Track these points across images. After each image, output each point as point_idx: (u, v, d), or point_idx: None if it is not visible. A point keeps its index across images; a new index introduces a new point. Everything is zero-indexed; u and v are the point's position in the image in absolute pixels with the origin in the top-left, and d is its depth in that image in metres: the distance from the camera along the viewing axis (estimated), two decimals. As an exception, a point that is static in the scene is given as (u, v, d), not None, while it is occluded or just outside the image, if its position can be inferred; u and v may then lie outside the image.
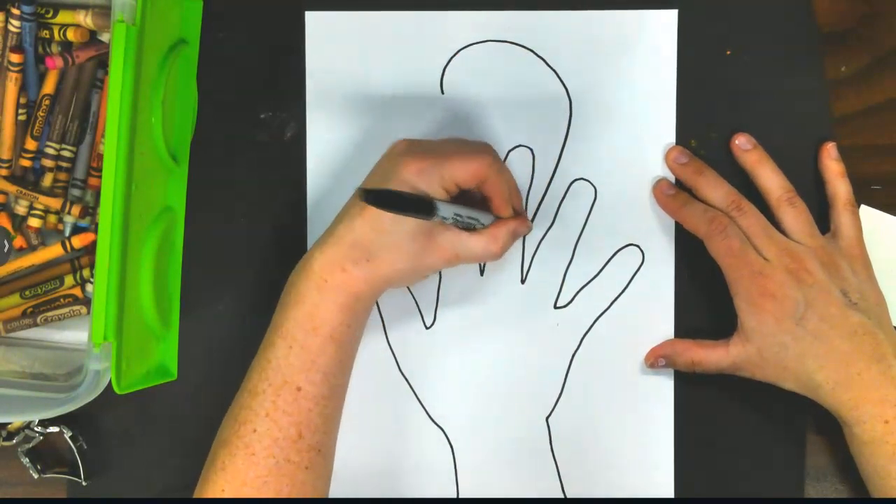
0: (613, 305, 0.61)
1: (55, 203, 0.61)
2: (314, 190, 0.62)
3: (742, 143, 0.60)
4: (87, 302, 0.62)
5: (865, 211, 0.60)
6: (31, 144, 0.61)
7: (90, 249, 0.61)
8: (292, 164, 0.62)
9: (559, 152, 0.61)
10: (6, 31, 0.59)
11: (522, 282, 0.62)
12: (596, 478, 0.61)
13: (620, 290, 0.61)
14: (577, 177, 0.61)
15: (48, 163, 0.61)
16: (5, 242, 0.62)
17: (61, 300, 0.62)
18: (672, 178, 0.61)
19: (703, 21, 0.61)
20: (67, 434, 0.62)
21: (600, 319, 0.61)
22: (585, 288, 0.61)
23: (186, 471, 0.55)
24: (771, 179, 0.59)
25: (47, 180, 0.62)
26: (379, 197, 0.47)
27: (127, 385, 0.54)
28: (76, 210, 0.61)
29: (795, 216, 0.58)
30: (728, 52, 0.61)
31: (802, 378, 0.56)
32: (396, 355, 0.62)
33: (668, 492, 0.61)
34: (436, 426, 0.62)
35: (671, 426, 0.61)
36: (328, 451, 0.54)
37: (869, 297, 0.57)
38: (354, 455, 0.57)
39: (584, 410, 0.61)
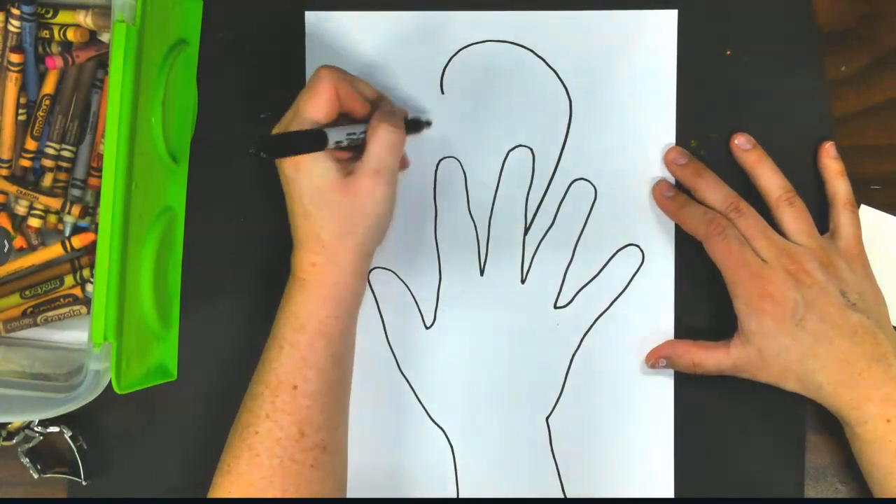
0: (613, 305, 0.61)
1: (55, 203, 0.61)
2: (314, 190, 0.62)
3: (741, 143, 0.60)
4: (87, 302, 0.62)
5: (865, 211, 0.60)
6: (31, 144, 0.61)
7: (90, 249, 0.61)
8: (292, 164, 0.62)
9: (559, 152, 0.61)
10: (6, 31, 0.59)
11: (522, 282, 0.62)
12: (596, 478, 0.61)
13: (620, 290, 0.61)
14: (577, 177, 0.61)
15: (48, 163, 0.61)
16: (5, 242, 0.62)
17: (61, 300, 0.62)
18: (671, 179, 0.61)
19: (703, 21, 0.61)
20: (67, 434, 0.62)
21: (600, 319, 0.61)
22: (585, 288, 0.61)
23: (187, 471, 0.55)
24: (770, 179, 0.59)
25: (47, 180, 0.62)
26: (267, 144, 0.49)
27: (127, 385, 0.54)
28: (76, 210, 0.61)
29: (794, 216, 0.58)
30: (728, 52, 0.61)
31: (804, 379, 0.56)
32: (396, 355, 0.62)
33: (668, 492, 0.61)
34: (436, 426, 0.62)
35: (671, 426, 0.61)
36: (335, 448, 0.54)
37: (867, 297, 0.57)
38: (354, 455, 0.57)
39: (584, 410, 0.61)
